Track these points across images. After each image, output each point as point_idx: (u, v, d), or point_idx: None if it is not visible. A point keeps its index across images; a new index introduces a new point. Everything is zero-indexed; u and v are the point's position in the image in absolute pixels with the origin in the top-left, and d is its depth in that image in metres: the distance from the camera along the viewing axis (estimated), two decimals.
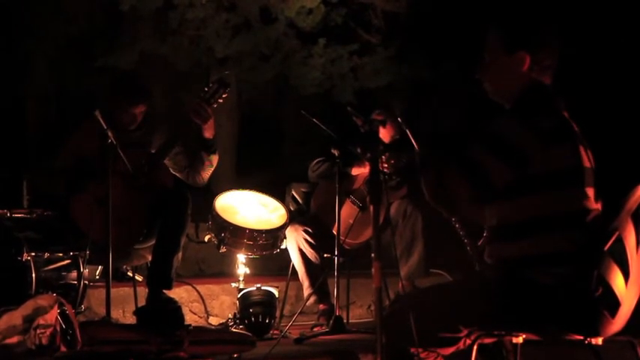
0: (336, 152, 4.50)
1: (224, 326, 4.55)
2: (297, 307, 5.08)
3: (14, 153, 7.58)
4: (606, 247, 2.34)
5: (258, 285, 4.48)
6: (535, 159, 2.37)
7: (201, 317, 5.14)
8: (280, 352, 3.71)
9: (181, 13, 7.04)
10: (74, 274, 4.16)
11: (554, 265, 2.37)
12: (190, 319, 4.95)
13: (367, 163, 4.55)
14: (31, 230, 4.17)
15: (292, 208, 4.97)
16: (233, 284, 4.59)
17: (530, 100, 2.48)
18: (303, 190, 5.06)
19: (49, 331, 3.32)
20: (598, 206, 2.46)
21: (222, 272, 5.81)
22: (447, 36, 7.44)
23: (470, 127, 2.69)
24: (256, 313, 4.39)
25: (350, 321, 4.94)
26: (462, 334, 2.42)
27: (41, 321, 3.32)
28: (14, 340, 3.30)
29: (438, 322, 2.41)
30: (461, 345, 2.43)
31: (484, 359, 2.51)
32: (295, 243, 4.67)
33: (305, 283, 4.69)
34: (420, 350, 2.40)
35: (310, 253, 4.67)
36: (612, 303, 2.35)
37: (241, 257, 4.57)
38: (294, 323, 4.39)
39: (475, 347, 2.41)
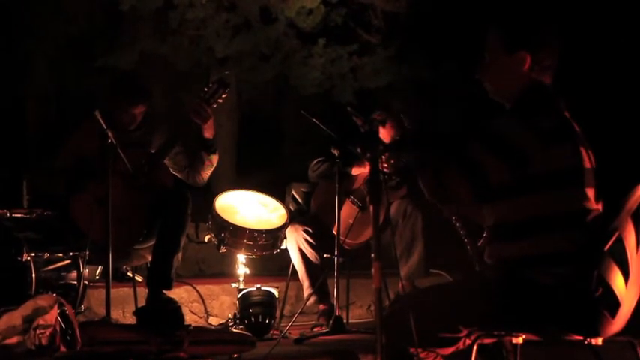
0: (336, 152, 4.50)
1: (224, 326, 4.55)
2: (297, 307, 5.08)
3: (14, 153, 7.58)
4: (606, 247, 2.34)
5: (258, 285, 4.48)
6: (535, 159, 2.37)
7: (201, 317, 5.14)
8: (280, 352, 3.71)
9: (181, 13, 7.04)
10: (74, 274, 4.15)
11: (554, 265, 2.37)
12: (190, 319, 4.95)
13: (367, 163, 4.54)
14: (31, 230, 4.17)
15: (292, 208, 4.97)
16: (233, 284, 4.59)
17: (531, 100, 2.48)
18: (303, 190, 5.06)
19: (48, 331, 3.32)
20: (598, 207, 2.46)
21: (222, 272, 5.81)
22: (447, 36, 7.44)
23: (470, 127, 2.69)
24: (256, 313, 4.39)
25: (350, 321, 4.94)
26: (461, 334, 2.42)
27: (41, 321, 3.32)
28: (14, 340, 3.30)
29: (438, 322, 2.41)
30: (461, 345, 2.43)
31: (484, 359, 2.51)
32: (295, 243, 4.67)
33: (305, 283, 4.69)
34: (420, 350, 2.40)
35: (310, 253, 4.67)
36: (612, 303, 2.35)
37: (241, 257, 4.57)
38: (294, 323, 4.39)
39: (475, 347, 2.41)
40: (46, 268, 4.07)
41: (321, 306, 4.70)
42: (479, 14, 6.39)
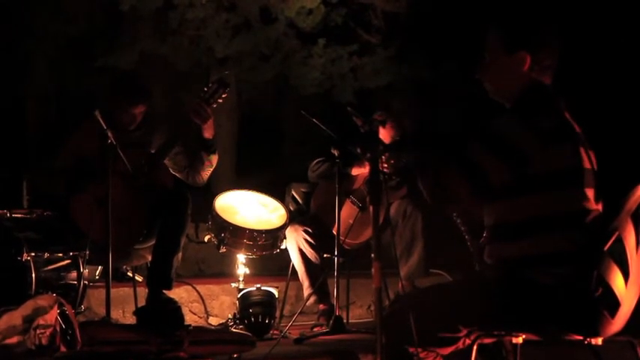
0: (336, 152, 4.50)
1: (224, 326, 4.55)
2: (297, 307, 5.08)
3: (14, 153, 7.58)
4: (606, 247, 2.34)
5: (258, 285, 4.48)
6: (535, 159, 2.37)
7: (201, 317, 5.14)
8: (280, 352, 3.71)
9: (181, 13, 7.05)
10: (74, 274, 4.15)
11: (554, 265, 2.37)
12: (190, 319, 4.95)
13: (367, 164, 4.54)
14: (31, 230, 4.17)
15: (292, 208, 4.97)
16: (233, 284, 4.59)
17: (531, 100, 2.48)
18: (303, 190, 5.06)
19: (48, 332, 3.32)
20: (598, 207, 2.46)
21: (222, 272, 5.81)
22: (447, 36, 7.44)
23: (470, 127, 2.69)
24: (256, 313, 4.39)
25: (350, 321, 4.94)
26: (461, 334, 2.42)
27: (41, 321, 3.32)
28: (14, 340, 3.30)
29: (438, 322, 2.41)
30: (460, 345, 2.43)
31: (484, 359, 2.51)
32: (295, 243, 4.67)
33: (305, 283, 4.69)
34: (420, 350, 2.40)
35: (310, 253, 4.67)
36: (612, 303, 2.35)
37: (241, 257, 4.57)
38: (294, 323, 4.39)
39: (475, 347, 2.41)
40: (46, 268, 4.07)
41: (321, 306, 4.70)
42: (479, 14, 6.39)
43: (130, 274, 4.78)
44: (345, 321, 4.50)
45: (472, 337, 2.42)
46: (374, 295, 2.38)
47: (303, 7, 7.19)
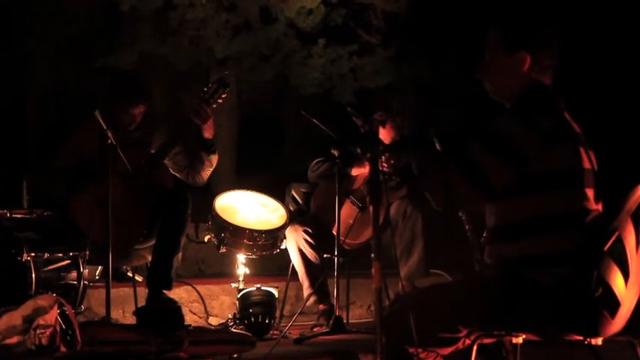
0: (336, 152, 4.49)
1: (224, 326, 4.55)
2: (297, 307, 5.08)
3: (14, 153, 7.58)
4: (606, 247, 2.34)
5: (258, 285, 4.48)
6: (535, 159, 2.37)
7: (201, 317, 5.14)
8: (280, 352, 3.71)
9: (181, 13, 7.04)
10: (74, 274, 4.15)
11: (554, 265, 2.37)
12: (190, 319, 4.95)
13: (367, 164, 4.54)
14: (31, 230, 4.17)
15: (292, 209, 4.97)
16: (233, 284, 4.59)
17: (531, 100, 2.49)
18: (303, 190, 5.06)
19: (48, 332, 3.32)
20: (598, 207, 2.46)
21: (222, 272, 5.81)
22: (447, 36, 7.44)
23: (470, 127, 2.69)
24: (256, 313, 4.39)
25: (350, 321, 4.94)
26: (461, 334, 2.42)
27: (41, 321, 3.32)
28: (14, 340, 3.30)
29: (438, 322, 2.41)
30: (460, 345, 2.43)
31: (484, 359, 2.51)
32: (295, 243, 4.67)
33: (305, 283, 4.69)
34: (420, 350, 2.39)
35: (310, 253, 4.67)
36: (612, 303, 2.35)
37: (241, 257, 4.57)
38: (294, 323, 4.39)
39: (475, 347, 2.41)
40: (46, 269, 4.07)
41: (321, 306, 4.70)
42: (479, 14, 6.39)
43: (130, 274, 4.78)
44: (345, 321, 4.50)
45: (472, 337, 2.42)
46: (374, 295, 2.38)
47: (303, 7, 7.19)
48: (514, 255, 2.43)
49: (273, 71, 7.62)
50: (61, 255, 4.14)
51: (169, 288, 4.17)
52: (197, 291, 5.10)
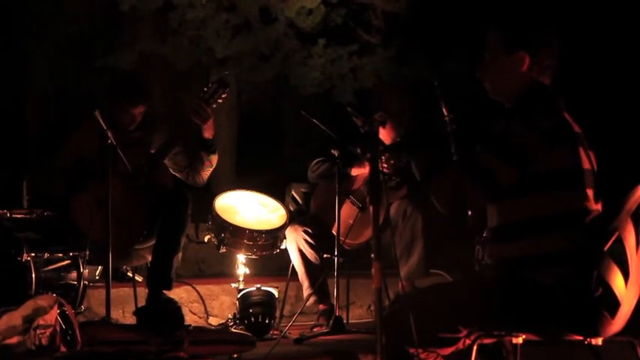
0: (335, 152, 4.49)
1: (224, 326, 4.55)
2: (297, 307, 5.08)
3: (14, 153, 7.58)
4: (606, 248, 2.34)
5: (258, 285, 4.48)
6: (535, 159, 2.37)
7: (201, 317, 5.14)
8: (280, 352, 3.71)
9: (181, 13, 7.04)
10: (74, 274, 4.15)
11: (554, 265, 2.37)
12: (190, 319, 4.95)
13: (367, 164, 4.54)
14: (31, 230, 4.17)
15: (292, 209, 4.97)
16: (233, 284, 4.59)
17: (531, 100, 2.49)
18: (302, 190, 5.05)
19: (48, 332, 3.32)
20: (598, 207, 2.46)
21: (222, 272, 5.81)
22: (447, 36, 7.44)
23: (470, 127, 2.69)
24: (256, 313, 4.39)
25: (350, 321, 4.94)
26: (461, 335, 2.42)
27: (41, 321, 3.32)
28: (14, 340, 3.30)
29: (438, 322, 2.41)
30: (460, 345, 2.43)
31: (484, 359, 2.51)
32: (295, 243, 4.67)
33: (305, 283, 4.69)
34: (420, 351, 2.39)
35: (310, 253, 4.67)
36: (612, 303, 2.35)
37: (241, 257, 4.57)
38: (293, 323, 4.39)
39: (475, 347, 2.41)
40: (46, 269, 4.07)
41: (321, 306, 4.70)
42: (479, 14, 6.39)
43: (130, 274, 4.78)
44: (345, 321, 4.50)
45: (472, 338, 2.42)
46: (374, 295, 2.38)
47: (303, 7, 7.19)
48: (514, 255, 2.43)
49: (273, 71, 7.62)
50: (61, 255, 4.14)
51: (169, 288, 4.17)
52: (197, 291, 5.10)
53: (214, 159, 4.43)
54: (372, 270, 2.38)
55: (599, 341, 2.40)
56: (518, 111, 2.49)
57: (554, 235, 2.38)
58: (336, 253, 4.38)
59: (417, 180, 2.57)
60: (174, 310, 4.16)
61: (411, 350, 2.38)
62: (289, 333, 4.30)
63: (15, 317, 3.34)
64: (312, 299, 4.67)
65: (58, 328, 3.35)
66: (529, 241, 2.40)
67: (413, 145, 2.58)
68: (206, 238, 4.65)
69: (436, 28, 7.62)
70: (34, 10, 7.62)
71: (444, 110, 2.66)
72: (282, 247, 4.65)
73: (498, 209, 2.49)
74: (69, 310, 3.44)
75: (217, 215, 4.48)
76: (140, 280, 4.66)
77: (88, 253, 4.00)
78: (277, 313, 4.55)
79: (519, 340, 2.47)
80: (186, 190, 4.28)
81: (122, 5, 6.87)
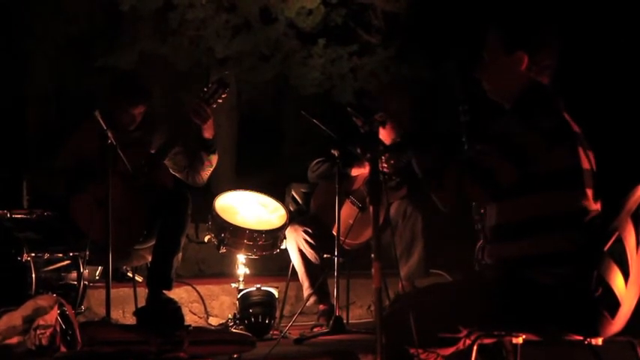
0: (335, 153, 4.50)
1: (224, 327, 4.55)
2: (297, 307, 5.08)
3: (14, 153, 7.58)
4: (606, 248, 2.34)
5: (258, 285, 4.48)
6: (535, 159, 2.37)
7: (201, 317, 5.14)
8: (280, 352, 3.71)
9: (181, 13, 7.04)
10: (74, 274, 4.15)
11: (554, 265, 2.37)
12: (190, 319, 4.95)
13: (367, 164, 4.54)
14: (31, 231, 4.17)
15: (292, 209, 4.97)
16: (233, 285, 4.59)
17: (530, 100, 2.49)
18: (303, 190, 5.06)
19: (49, 332, 3.32)
20: (597, 207, 2.47)
21: (222, 273, 5.81)
22: (447, 36, 7.44)
23: (470, 127, 2.69)
24: (256, 313, 4.39)
25: (350, 321, 4.94)
26: (461, 335, 2.42)
27: (41, 321, 3.32)
28: (14, 340, 3.30)
29: (438, 322, 2.41)
30: (461, 345, 2.43)
31: (484, 359, 2.51)
32: (295, 243, 4.67)
33: (305, 283, 4.69)
34: (420, 351, 2.39)
35: (310, 253, 4.67)
36: (612, 303, 2.35)
37: (241, 257, 4.57)
38: (294, 324, 4.39)
39: (475, 347, 2.41)
40: (46, 269, 4.07)
41: (321, 306, 4.70)
42: (479, 14, 6.39)
43: (130, 274, 4.78)
44: (345, 321, 4.50)
45: (472, 338, 2.42)
46: (374, 296, 2.37)
47: (303, 8, 7.19)
48: (514, 255, 2.43)
49: (273, 71, 7.62)
50: (61, 255, 4.14)
51: (169, 288, 4.17)
52: (197, 291, 5.10)
53: (214, 159, 4.44)
54: (372, 270, 2.38)
55: (599, 341, 2.40)
56: (518, 111, 2.49)
57: (554, 235, 2.39)
58: (336, 253, 4.38)
59: (417, 180, 2.57)
60: (174, 310, 4.16)
61: (412, 351, 2.38)
62: (289, 333, 4.30)
63: (15, 317, 3.34)
64: (312, 299, 4.67)
65: (58, 329, 3.35)
66: (529, 241, 2.40)
67: (414, 144, 2.57)
68: (206, 238, 4.65)
69: (436, 28, 7.62)
70: (34, 10, 7.62)
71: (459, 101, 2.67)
72: (282, 247, 4.65)
73: (498, 208, 2.49)
74: (69, 310, 3.44)
75: (217, 215, 4.48)
76: (140, 280, 4.66)
77: (88, 253, 4.00)
78: (277, 313, 4.55)
79: (519, 340, 2.47)
80: (186, 190, 4.28)
81: (122, 5, 6.86)
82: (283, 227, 4.59)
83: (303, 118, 4.61)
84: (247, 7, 7.20)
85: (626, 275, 2.37)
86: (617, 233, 2.35)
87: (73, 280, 4.15)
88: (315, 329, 4.57)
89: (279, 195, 4.92)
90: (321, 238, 4.64)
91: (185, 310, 4.68)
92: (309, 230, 4.67)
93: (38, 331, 3.30)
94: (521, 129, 2.39)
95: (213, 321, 5.11)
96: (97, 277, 4.65)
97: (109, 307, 3.89)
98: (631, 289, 2.40)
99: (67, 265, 4.15)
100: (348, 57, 7.62)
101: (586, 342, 2.41)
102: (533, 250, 2.40)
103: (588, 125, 2.57)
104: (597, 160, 2.53)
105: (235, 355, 3.61)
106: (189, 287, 5.10)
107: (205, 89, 4.28)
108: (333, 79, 7.73)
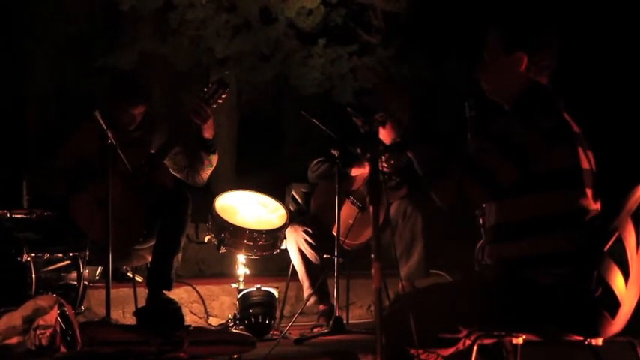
0: (335, 153, 4.50)
1: (224, 327, 4.55)
2: (297, 307, 5.08)
3: (14, 153, 7.58)
4: (606, 248, 2.34)
5: (258, 285, 4.48)
6: (535, 159, 2.37)
7: (201, 318, 5.14)
8: (280, 352, 3.71)
9: (181, 13, 7.05)
10: (74, 274, 4.15)
11: (554, 265, 2.37)
12: (190, 319, 4.95)
13: (367, 164, 4.54)
14: (31, 231, 4.17)
15: (292, 209, 4.97)
16: (233, 285, 4.59)
17: (530, 100, 2.49)
18: (302, 190, 5.06)
19: (49, 332, 3.32)
20: (597, 207, 2.47)
21: (222, 273, 5.81)
22: (447, 36, 7.44)
23: (470, 127, 2.69)
24: (256, 313, 4.39)
25: (350, 321, 4.94)
26: (461, 335, 2.41)
27: (41, 322, 3.32)
28: (14, 340, 3.30)
29: (438, 322, 2.41)
30: (461, 345, 2.43)
31: (484, 359, 2.51)
32: (295, 243, 4.67)
33: (305, 283, 4.69)
34: (421, 351, 2.39)
35: (310, 253, 4.67)
36: (612, 303, 2.35)
37: (241, 258, 4.57)
38: (294, 324, 4.39)
39: (475, 348, 2.41)
40: (46, 269, 4.07)
41: (321, 306, 4.70)
42: (479, 14, 6.39)
43: (130, 274, 4.78)
44: (345, 321, 4.50)
45: (472, 338, 2.42)
46: (374, 296, 2.37)
47: (303, 8, 7.19)
48: (514, 255, 2.43)
49: (273, 71, 7.62)
50: (61, 255, 4.14)
51: (169, 288, 4.17)
52: (197, 291, 5.10)
53: (214, 159, 4.43)
54: (372, 270, 2.38)
55: (599, 341, 2.40)
56: (518, 111, 2.49)
57: (554, 235, 2.38)
58: (336, 253, 4.38)
59: (417, 180, 2.57)
60: (174, 310, 4.16)
61: (412, 351, 2.38)
62: (289, 333, 4.30)
63: (15, 317, 3.34)
64: (312, 299, 4.67)
65: (58, 329, 3.35)
66: (529, 241, 2.40)
67: (414, 142, 2.56)
68: (206, 239, 4.65)
69: (436, 28, 7.62)
70: (34, 10, 7.63)
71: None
72: (282, 247, 4.65)
73: (498, 208, 2.49)
74: (69, 310, 3.44)
75: (217, 215, 4.48)
76: (140, 280, 4.66)
77: (88, 253, 4.00)
78: (277, 314, 4.55)
79: (519, 340, 2.47)
80: (186, 190, 4.28)
81: (122, 5, 6.87)
82: (283, 227, 4.59)
83: (303, 118, 4.61)
84: (247, 7, 7.21)
85: (626, 275, 2.37)
86: (617, 233, 2.35)
87: (73, 280, 4.15)
88: (315, 329, 4.57)
89: (279, 195, 4.92)
90: (321, 238, 4.64)
91: (185, 310, 4.68)
92: (309, 230, 4.67)
93: (38, 331, 3.30)
94: (521, 129, 2.39)
95: (213, 321, 5.11)
96: (97, 277, 4.65)
97: (109, 307, 3.89)
98: (631, 289, 2.40)
99: (67, 265, 4.15)
100: (348, 57, 7.62)
101: (586, 342, 2.41)
102: (533, 250, 2.40)
103: (588, 125, 2.57)
104: (597, 160, 2.53)
105: (235, 356, 3.61)
106: (189, 287, 5.10)
107: (205, 89, 4.28)
108: (333, 79, 7.73)
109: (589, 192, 2.45)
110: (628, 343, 2.45)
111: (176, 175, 4.49)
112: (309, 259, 4.67)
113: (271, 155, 9.47)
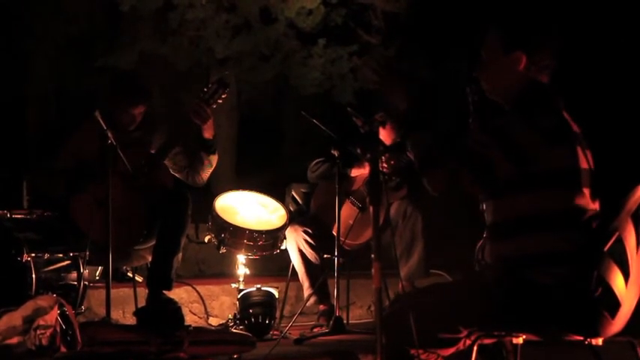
0: (335, 153, 4.50)
1: (224, 327, 4.55)
2: (297, 307, 5.07)
3: (14, 153, 7.58)
4: (606, 248, 2.33)
5: (258, 285, 4.48)
6: (535, 158, 2.37)
7: (201, 318, 5.14)
8: (280, 352, 3.71)
9: (181, 13, 7.05)
10: (74, 274, 4.15)
11: (553, 265, 2.37)
12: (190, 319, 4.95)
13: (367, 164, 4.54)
14: (31, 231, 4.17)
15: (292, 209, 4.97)
16: (233, 285, 4.59)
17: (530, 99, 2.49)
18: (303, 190, 5.06)
19: (49, 332, 3.32)
20: (595, 206, 2.47)
21: (222, 273, 5.81)
22: (447, 36, 7.44)
23: (469, 127, 2.69)
24: (256, 313, 4.39)
25: (350, 321, 4.94)
26: (461, 335, 2.41)
27: (41, 322, 3.32)
28: (14, 340, 3.30)
29: (438, 322, 2.41)
30: (461, 345, 2.43)
31: (484, 359, 2.51)
32: (295, 243, 4.67)
33: (305, 283, 4.69)
34: (421, 351, 2.39)
35: (310, 253, 4.67)
36: (612, 303, 2.34)
37: (241, 258, 4.57)
38: (294, 324, 4.39)
39: (475, 348, 2.41)
40: (46, 269, 4.07)
41: (321, 306, 4.70)
42: (479, 14, 6.39)
43: (130, 274, 4.78)
44: (345, 321, 4.50)
45: (472, 338, 2.42)
46: (374, 296, 2.37)
47: (303, 8, 7.19)
48: (513, 254, 2.43)
49: (273, 71, 7.62)
50: (61, 255, 4.14)
51: (169, 288, 4.17)
52: (197, 291, 5.09)
53: (214, 159, 4.43)
54: (372, 270, 2.38)
55: (599, 341, 2.40)
56: (518, 110, 2.49)
57: (554, 234, 2.38)
58: (336, 254, 4.38)
59: (417, 180, 2.57)
60: (174, 310, 4.16)
61: (412, 351, 2.38)
62: (289, 333, 4.30)
63: (15, 318, 3.34)
64: (312, 299, 4.67)
65: (58, 329, 3.35)
66: (528, 240, 2.40)
67: (412, 124, 2.56)
68: (206, 239, 4.65)
69: (436, 28, 7.63)
70: (34, 10, 7.63)
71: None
72: (283, 247, 4.65)
73: (496, 206, 2.49)
74: (69, 310, 3.44)
75: (217, 215, 4.48)
76: (140, 280, 4.66)
77: (88, 253, 4.00)
78: (277, 314, 4.55)
79: (519, 340, 2.47)
80: (186, 190, 4.28)
81: (122, 5, 6.87)
82: (283, 227, 4.59)
83: (303, 118, 4.61)
84: (247, 7, 7.21)
85: (626, 275, 2.37)
86: (617, 233, 2.35)
87: (73, 281, 4.15)
88: (315, 329, 4.57)
89: (279, 195, 4.92)
90: (321, 239, 4.64)
91: (185, 311, 4.68)
92: (309, 230, 4.67)
93: (38, 332, 3.30)
94: (521, 128, 2.39)
95: (214, 321, 5.11)
96: (97, 277, 4.66)
97: (109, 308, 3.89)
98: (631, 289, 2.40)
99: (67, 265, 4.15)
100: (348, 57, 7.62)
101: (586, 342, 2.41)
102: (532, 249, 2.39)
103: (588, 125, 2.57)
104: (597, 160, 2.53)
105: (235, 356, 3.61)
106: (189, 287, 5.09)
107: (205, 89, 4.28)
108: (333, 79, 7.73)
109: (587, 191, 2.45)
110: (628, 343, 2.45)
111: (176, 175, 4.49)
112: (309, 259, 4.67)
113: (271, 155, 9.47)
